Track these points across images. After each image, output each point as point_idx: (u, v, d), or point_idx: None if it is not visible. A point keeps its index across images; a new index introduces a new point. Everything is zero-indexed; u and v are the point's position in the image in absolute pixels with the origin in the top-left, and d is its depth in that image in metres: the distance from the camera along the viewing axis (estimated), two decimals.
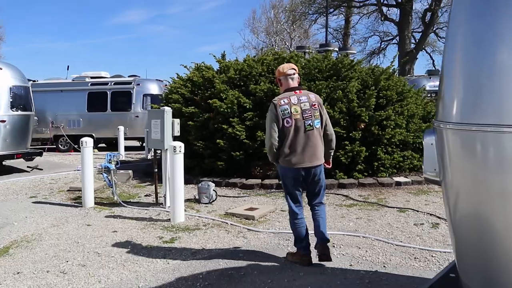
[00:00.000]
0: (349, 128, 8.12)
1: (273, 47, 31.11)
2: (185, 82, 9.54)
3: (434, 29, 29.91)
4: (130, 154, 14.27)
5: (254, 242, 4.95)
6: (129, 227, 5.61)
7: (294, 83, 4.27)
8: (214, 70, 9.48)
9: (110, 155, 7.35)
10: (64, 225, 5.77)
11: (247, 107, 8.28)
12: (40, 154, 11.52)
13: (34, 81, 17.39)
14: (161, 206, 6.67)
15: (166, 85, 14.32)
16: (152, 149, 7.09)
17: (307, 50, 10.76)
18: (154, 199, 6.91)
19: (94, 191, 7.96)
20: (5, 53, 70.24)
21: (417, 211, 6.20)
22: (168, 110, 6.46)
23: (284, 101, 4.14)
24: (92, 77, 16.93)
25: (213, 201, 6.94)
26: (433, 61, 33.61)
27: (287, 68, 4.28)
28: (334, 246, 4.69)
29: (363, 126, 8.17)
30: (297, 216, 4.27)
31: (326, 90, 8.30)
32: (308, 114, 4.10)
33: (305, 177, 4.17)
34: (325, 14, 32.27)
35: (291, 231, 4.35)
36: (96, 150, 16.48)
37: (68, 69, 26.19)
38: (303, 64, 9.06)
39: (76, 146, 16.41)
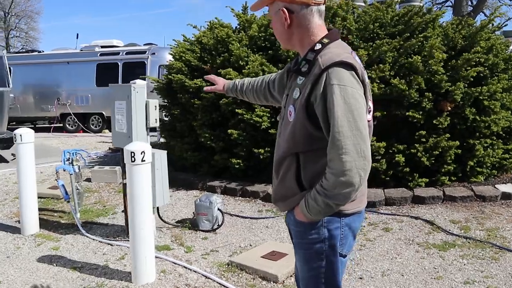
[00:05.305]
0: (431, 112, 5.34)
1: None
2: (192, 45, 6.95)
3: None
4: None
5: None
6: None
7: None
8: (232, 29, 6.82)
9: (69, 151, 4.96)
10: None
11: None
12: None
13: (39, 52, 15.36)
14: None
15: None
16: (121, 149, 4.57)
17: (361, 3, 7.76)
18: (125, 225, 4.47)
19: (59, 198, 5.72)
20: (43, 28, 70.55)
21: None
22: (139, 86, 3.91)
23: (357, 60, 1.65)
24: (102, 46, 14.61)
25: (218, 227, 4.46)
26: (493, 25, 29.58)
27: None
28: None
29: (450, 108, 5.38)
30: None
31: (393, 54, 5.55)
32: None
33: None
34: None
35: None
36: (107, 131, 14.34)
37: (77, 37, 22.74)
38: (356, 17, 6.30)
39: (85, 126, 14.32)
